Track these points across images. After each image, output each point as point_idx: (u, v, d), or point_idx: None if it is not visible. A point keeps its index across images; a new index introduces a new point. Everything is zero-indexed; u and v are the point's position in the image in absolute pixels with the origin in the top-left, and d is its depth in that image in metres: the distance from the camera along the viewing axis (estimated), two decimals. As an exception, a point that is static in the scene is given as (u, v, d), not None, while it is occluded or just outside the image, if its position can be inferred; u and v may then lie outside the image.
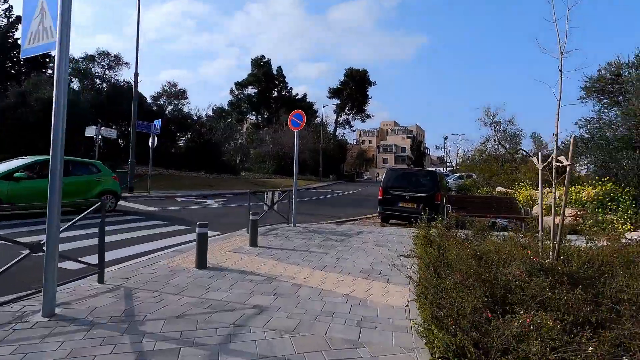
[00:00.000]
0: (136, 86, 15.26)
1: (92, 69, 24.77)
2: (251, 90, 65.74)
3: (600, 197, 10.58)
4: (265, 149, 42.47)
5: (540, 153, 5.45)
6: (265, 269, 4.89)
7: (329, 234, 7.84)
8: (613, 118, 11.42)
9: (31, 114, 17.54)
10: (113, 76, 25.60)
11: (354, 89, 59.20)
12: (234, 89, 65.18)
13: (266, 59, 66.57)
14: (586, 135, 12.58)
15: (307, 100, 68.22)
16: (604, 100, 12.32)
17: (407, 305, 3.62)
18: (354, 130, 69.46)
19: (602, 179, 10.81)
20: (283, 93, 67.34)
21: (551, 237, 4.35)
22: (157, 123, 15.33)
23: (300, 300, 3.72)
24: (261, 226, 7.97)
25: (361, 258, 5.68)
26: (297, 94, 68.48)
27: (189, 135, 32.38)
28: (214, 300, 3.58)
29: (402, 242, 7.25)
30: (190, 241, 6.46)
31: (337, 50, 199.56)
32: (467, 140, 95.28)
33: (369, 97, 60.97)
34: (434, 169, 13.47)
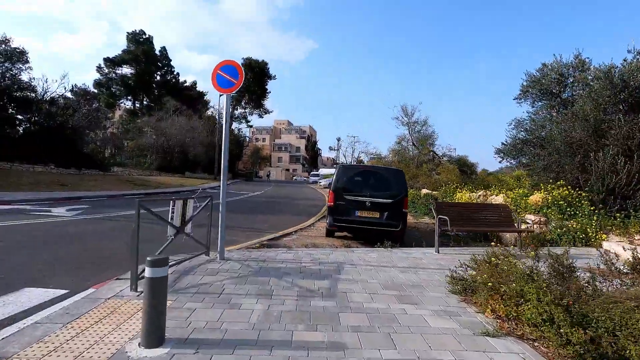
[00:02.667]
0: None
1: None
2: (126, 70, 55.11)
3: (560, 202, 9.84)
4: (147, 141, 34.94)
5: None
6: None
7: (293, 276, 4.46)
8: (557, 119, 11.01)
9: None
10: None
11: (252, 81, 54.74)
12: (102, 65, 53.51)
13: (147, 36, 56.92)
14: (525, 136, 12.04)
15: (197, 89, 61.00)
16: (540, 103, 12.15)
17: None
18: (251, 126, 64.89)
19: (556, 183, 10.16)
20: (168, 78, 58.67)
21: None
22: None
23: None
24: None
25: None
26: (185, 81, 60.66)
27: (34, 118, 23.52)
28: None
29: (423, 285, 4.40)
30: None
31: (227, 42, 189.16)
32: (361, 142, 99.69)
33: (268, 91, 57.46)
34: (399, 168, 11.20)
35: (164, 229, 4.53)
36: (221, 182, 5.19)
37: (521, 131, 12.39)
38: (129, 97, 56.37)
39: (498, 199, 12.31)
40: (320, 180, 34.41)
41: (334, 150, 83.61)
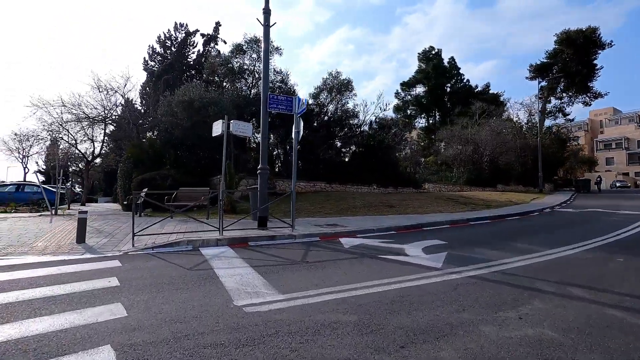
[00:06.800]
0: (267, 30, 8.43)
1: (239, 62, 20.83)
2: (419, 90, 56.57)
3: None
4: (452, 152, 31.78)
5: None
6: None
7: None
8: None
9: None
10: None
11: (569, 60, 41.03)
12: (399, 91, 57.55)
13: (436, 50, 56.36)
14: None
15: (490, 91, 53.60)
16: None
17: None
18: (571, 120, 49.33)
19: None
20: (459, 86, 55.22)
21: None
22: (301, 97, 8.14)
23: None
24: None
25: None
26: (476, 85, 55.01)
27: (355, 140, 25.49)
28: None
29: None
30: None
31: (504, 44, 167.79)
32: None
33: (598, 67, 41.12)
34: None
35: None
36: None
37: None
38: (422, 115, 57.31)
39: None
40: None
41: None
